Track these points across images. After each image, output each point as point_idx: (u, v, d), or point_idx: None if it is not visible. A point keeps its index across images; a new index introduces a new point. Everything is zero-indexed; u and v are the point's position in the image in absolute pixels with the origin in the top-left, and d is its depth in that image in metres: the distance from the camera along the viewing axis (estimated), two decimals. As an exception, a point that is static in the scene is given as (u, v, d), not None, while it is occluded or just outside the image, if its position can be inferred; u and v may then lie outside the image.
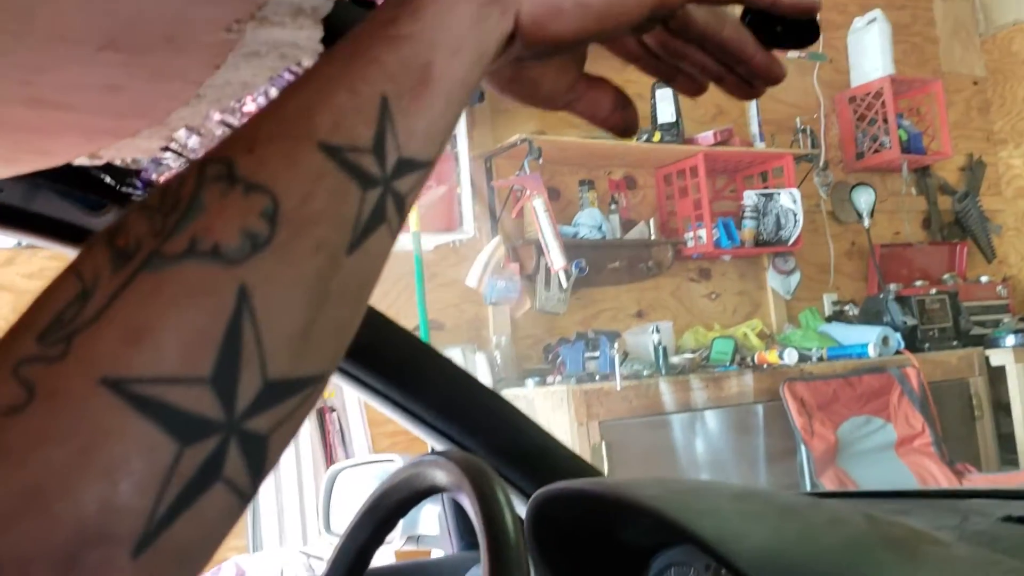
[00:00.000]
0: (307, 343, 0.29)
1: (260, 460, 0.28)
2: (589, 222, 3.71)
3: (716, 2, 0.41)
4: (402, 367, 0.96)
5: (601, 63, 0.50)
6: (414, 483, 0.70)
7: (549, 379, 3.28)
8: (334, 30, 0.48)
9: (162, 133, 0.64)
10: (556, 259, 3.35)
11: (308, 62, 0.52)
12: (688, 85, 0.47)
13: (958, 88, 5.19)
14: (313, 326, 0.29)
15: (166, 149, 0.70)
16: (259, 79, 0.54)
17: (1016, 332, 3.97)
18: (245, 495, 0.28)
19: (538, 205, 3.36)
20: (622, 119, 0.47)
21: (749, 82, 0.46)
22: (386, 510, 0.76)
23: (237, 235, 0.28)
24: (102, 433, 0.25)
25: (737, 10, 0.45)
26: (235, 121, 0.64)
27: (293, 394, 0.29)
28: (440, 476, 0.66)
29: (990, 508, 0.83)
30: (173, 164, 0.76)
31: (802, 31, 0.43)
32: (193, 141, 0.68)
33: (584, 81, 0.45)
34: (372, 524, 0.77)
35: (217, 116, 0.64)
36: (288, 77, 0.55)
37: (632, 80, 0.50)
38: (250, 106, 0.62)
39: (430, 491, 0.70)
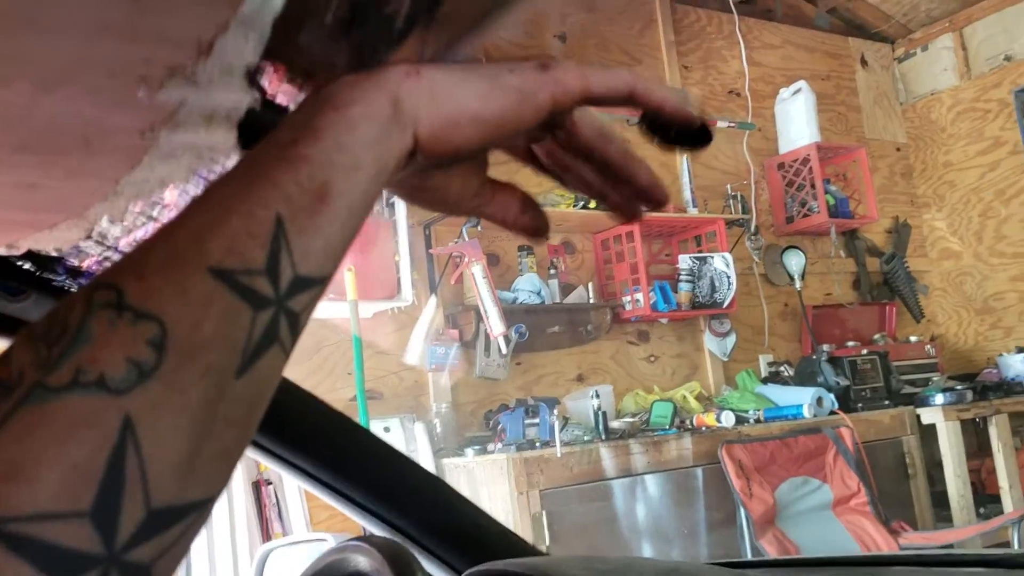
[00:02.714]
0: (193, 469, 0.29)
1: None
2: (528, 287, 3.74)
3: (604, 103, 0.42)
4: (331, 447, 0.95)
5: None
6: (336, 569, 0.69)
7: (490, 447, 3.27)
8: (249, 130, 0.49)
9: (81, 225, 0.64)
10: (495, 325, 3.36)
11: (224, 160, 0.52)
12: (579, 190, 0.49)
13: (882, 154, 5.39)
14: (200, 452, 0.29)
15: (87, 237, 0.70)
16: (177, 176, 0.55)
17: (945, 391, 4.07)
18: None
19: (477, 271, 3.38)
20: (531, 221, 0.47)
21: (630, 203, 0.47)
22: (311, 597, 0.75)
23: (123, 364, 0.28)
24: None
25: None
26: (155, 212, 0.64)
27: (178, 521, 0.29)
28: (362, 562, 0.65)
29: (910, 576, 0.85)
30: (94, 251, 0.76)
31: (695, 135, 0.45)
32: (115, 230, 0.68)
33: (490, 186, 0.46)
34: (298, 611, 0.76)
35: (138, 207, 0.64)
36: (205, 174, 0.55)
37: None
38: (170, 196, 0.62)
39: (354, 578, 0.69)
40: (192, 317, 0.29)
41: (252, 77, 0.41)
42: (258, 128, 0.47)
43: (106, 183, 0.54)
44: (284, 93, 0.48)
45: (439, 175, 0.43)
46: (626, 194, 0.47)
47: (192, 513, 0.29)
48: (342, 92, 0.36)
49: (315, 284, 0.33)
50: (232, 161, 0.53)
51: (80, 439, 0.27)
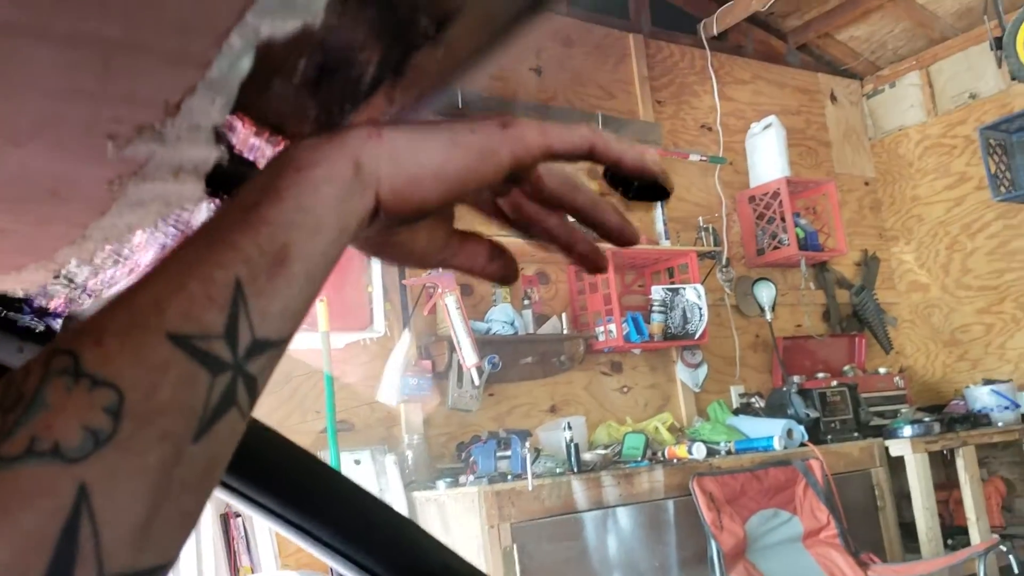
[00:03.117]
0: (148, 535, 0.29)
1: None
2: (502, 318, 3.74)
3: (565, 159, 0.43)
4: (296, 485, 0.95)
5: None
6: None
7: (462, 479, 3.25)
8: (218, 180, 0.49)
9: (49, 267, 0.64)
10: (468, 356, 3.36)
11: (193, 208, 0.53)
12: (545, 244, 0.49)
13: (851, 188, 5.46)
14: (155, 518, 0.29)
15: (55, 278, 0.70)
16: (146, 222, 0.55)
17: (913, 423, 4.11)
18: None
19: (450, 302, 3.38)
20: (500, 268, 0.48)
21: (596, 255, 0.48)
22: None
23: (79, 432, 0.28)
24: None
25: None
26: (126, 251, 0.64)
27: None
28: (329, 607, 0.65)
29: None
30: (62, 292, 0.76)
31: (655, 190, 0.46)
32: (83, 271, 0.69)
33: (457, 237, 0.46)
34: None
35: (107, 248, 0.64)
36: (175, 220, 0.56)
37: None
38: (140, 237, 0.62)
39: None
40: (149, 383, 0.29)
41: (220, 135, 0.42)
42: (227, 178, 0.48)
43: (74, 228, 0.54)
44: (254, 146, 0.48)
45: (404, 231, 0.44)
46: (594, 240, 0.48)
47: None
48: (304, 154, 0.36)
49: (273, 346, 0.33)
50: (202, 210, 0.54)
51: (33, 508, 0.27)
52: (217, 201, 0.52)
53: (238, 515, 2.97)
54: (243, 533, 2.97)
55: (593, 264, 0.48)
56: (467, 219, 0.50)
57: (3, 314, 0.77)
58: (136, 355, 0.30)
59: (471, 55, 0.44)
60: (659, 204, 4.34)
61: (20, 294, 0.75)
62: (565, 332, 3.99)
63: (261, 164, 0.48)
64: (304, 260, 0.34)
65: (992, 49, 4.28)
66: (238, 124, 0.48)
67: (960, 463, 4.10)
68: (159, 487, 0.29)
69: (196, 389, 0.30)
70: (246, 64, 0.36)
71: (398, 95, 0.46)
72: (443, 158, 0.39)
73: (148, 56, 0.33)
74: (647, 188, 0.47)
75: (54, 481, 0.27)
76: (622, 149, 0.44)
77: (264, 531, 3.00)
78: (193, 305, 0.31)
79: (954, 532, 4.24)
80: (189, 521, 0.31)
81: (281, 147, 0.48)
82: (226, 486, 0.92)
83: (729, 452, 3.70)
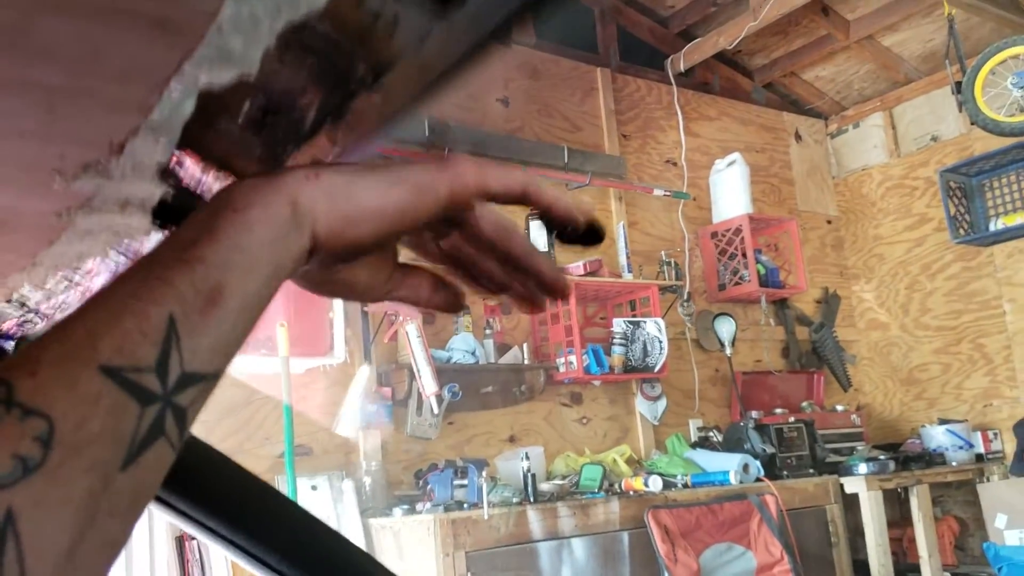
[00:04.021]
0: (73, 561, 0.30)
1: None
2: (463, 347, 3.75)
3: (499, 199, 0.45)
4: (247, 511, 0.95)
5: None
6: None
7: (419, 506, 3.25)
8: (165, 212, 0.51)
9: (0, 292, 0.65)
10: (428, 385, 3.36)
11: (141, 238, 0.54)
12: (485, 288, 0.51)
13: (813, 226, 5.55)
14: (81, 544, 0.30)
15: (7, 301, 0.71)
16: (95, 251, 0.57)
17: (868, 460, 4.16)
18: None
19: (411, 331, 3.39)
20: (444, 299, 0.50)
21: (534, 294, 0.50)
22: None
23: (8, 459, 0.29)
24: None
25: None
26: (77, 277, 0.66)
27: None
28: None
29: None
30: (15, 313, 0.77)
31: (588, 234, 0.48)
32: (35, 295, 0.70)
33: (400, 271, 0.48)
34: None
35: (59, 274, 0.65)
36: (123, 248, 0.57)
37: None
38: (91, 263, 0.64)
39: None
40: (80, 414, 0.31)
41: (165, 171, 0.43)
42: (176, 210, 0.50)
43: (24, 257, 0.55)
44: (201, 180, 0.50)
45: (345, 268, 0.45)
46: (530, 286, 0.50)
47: None
48: (242, 195, 0.38)
49: (204, 380, 0.35)
50: (151, 239, 0.55)
51: None
52: (166, 231, 0.53)
53: (193, 538, 2.94)
54: (198, 556, 2.94)
55: (531, 303, 0.50)
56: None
57: (-48, 335, 0.77)
58: (68, 386, 0.31)
59: (411, 99, 0.46)
60: (622, 238, 4.39)
61: (-30, 315, 0.76)
62: (526, 362, 4.00)
63: (208, 198, 0.50)
64: (238, 298, 0.35)
65: (953, 93, 4.38)
66: (186, 159, 0.49)
67: (914, 501, 4.16)
68: (85, 514, 0.30)
69: (125, 419, 0.32)
70: (188, 107, 0.38)
71: (340, 135, 0.48)
72: (380, 196, 0.41)
73: (91, 101, 0.35)
74: (579, 233, 0.49)
75: None
76: (553, 196, 0.46)
77: (218, 554, 2.97)
78: (126, 339, 0.32)
79: (907, 570, 4.29)
80: (114, 547, 0.32)
81: (227, 182, 0.49)
82: (177, 510, 0.93)
83: (685, 485, 3.72)
